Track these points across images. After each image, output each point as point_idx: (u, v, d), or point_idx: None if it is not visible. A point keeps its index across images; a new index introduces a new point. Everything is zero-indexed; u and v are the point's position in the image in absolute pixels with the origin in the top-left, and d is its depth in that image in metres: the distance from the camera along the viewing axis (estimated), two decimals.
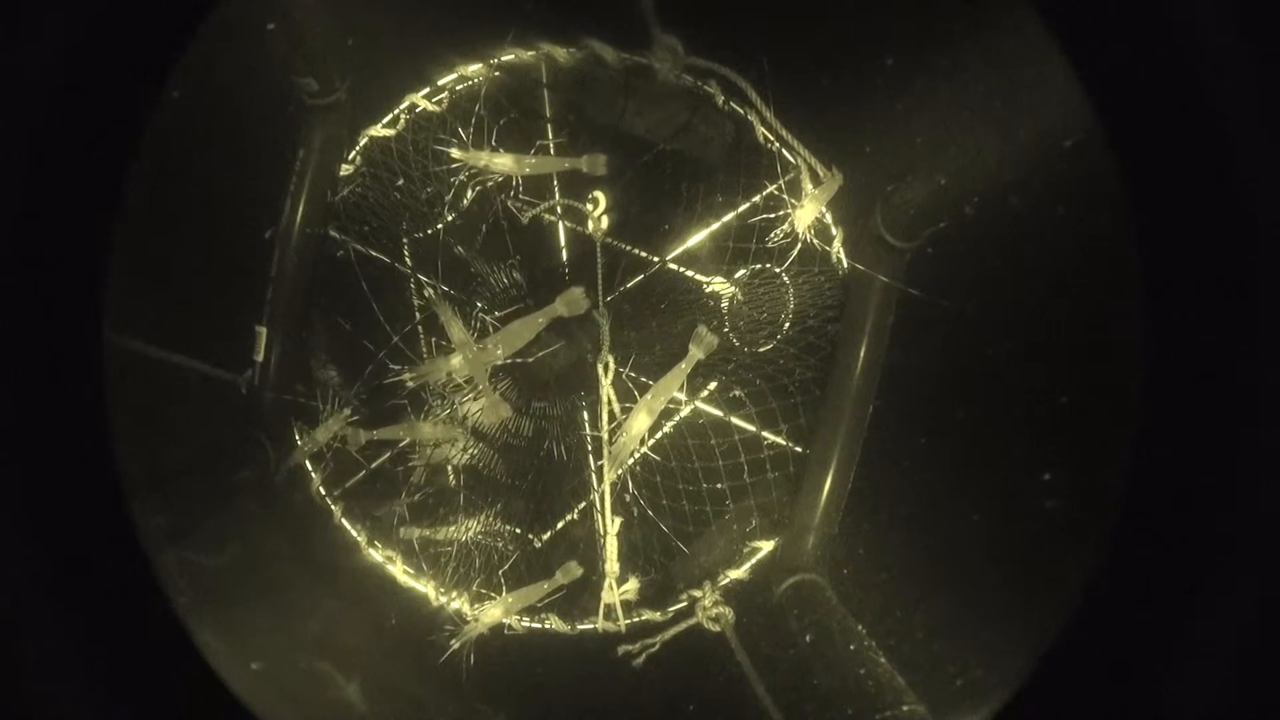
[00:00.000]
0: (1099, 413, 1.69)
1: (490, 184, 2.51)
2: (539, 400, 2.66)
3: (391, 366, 2.55)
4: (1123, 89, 1.17)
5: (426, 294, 2.46)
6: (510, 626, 2.57)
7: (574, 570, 2.54)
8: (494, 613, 2.51)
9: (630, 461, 2.46)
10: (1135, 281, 1.17)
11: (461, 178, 2.49)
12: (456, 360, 2.40)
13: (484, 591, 2.59)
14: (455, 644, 2.45)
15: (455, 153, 2.43)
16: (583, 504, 2.66)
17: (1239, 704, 1.10)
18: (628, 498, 2.54)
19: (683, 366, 2.42)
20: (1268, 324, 1.12)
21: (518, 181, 2.51)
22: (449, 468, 2.68)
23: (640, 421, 2.38)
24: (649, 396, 2.40)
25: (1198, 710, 1.11)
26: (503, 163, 2.44)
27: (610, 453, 2.41)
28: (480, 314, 2.56)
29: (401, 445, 2.67)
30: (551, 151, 2.53)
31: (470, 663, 2.46)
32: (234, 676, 1.23)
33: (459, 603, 2.58)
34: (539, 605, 2.57)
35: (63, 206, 1.18)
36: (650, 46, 2.29)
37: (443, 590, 2.60)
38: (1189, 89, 1.13)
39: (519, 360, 2.50)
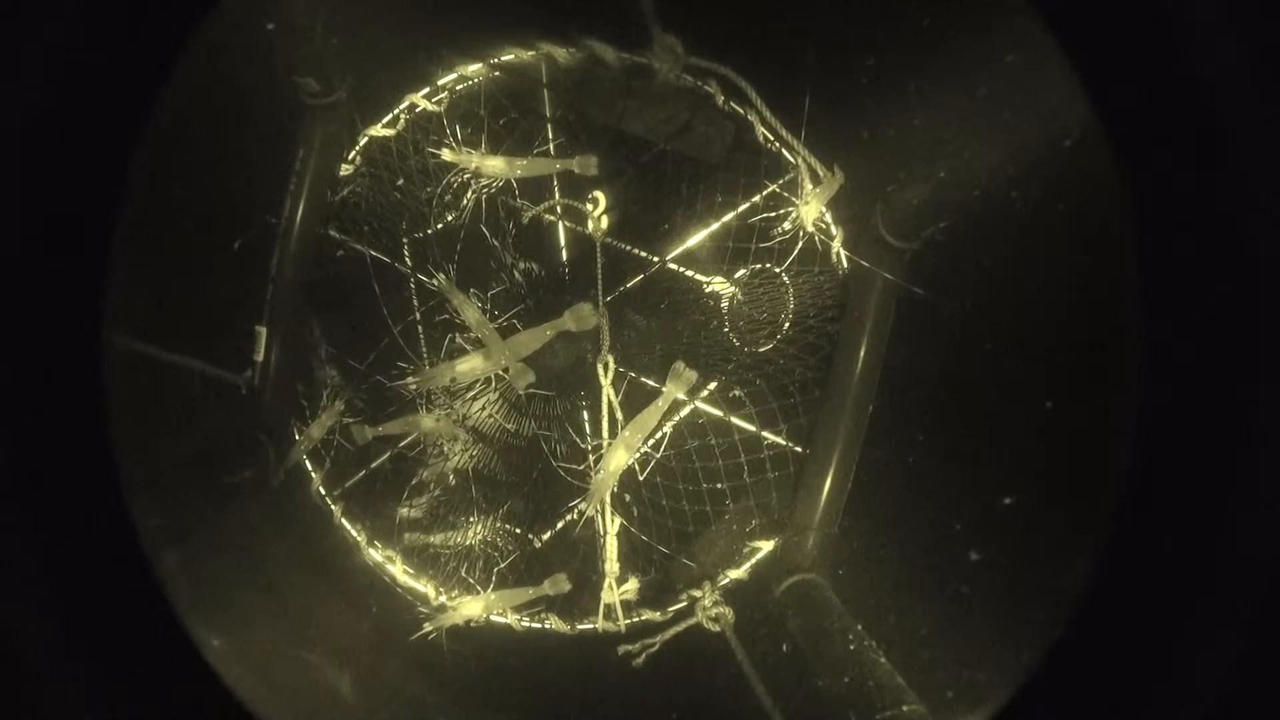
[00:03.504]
0: (1099, 412, 1.69)
1: (491, 187, 2.51)
2: (539, 400, 2.66)
3: (397, 365, 2.55)
4: (1123, 89, 1.17)
5: (437, 279, 2.45)
6: (515, 623, 2.57)
7: (562, 584, 2.54)
8: (473, 606, 2.51)
9: (609, 494, 2.46)
10: (1135, 280, 1.17)
11: (463, 178, 2.49)
12: (462, 366, 2.40)
13: (473, 583, 2.59)
14: (428, 627, 2.45)
15: (446, 154, 2.43)
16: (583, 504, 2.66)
17: (1239, 705, 1.10)
18: (628, 498, 2.53)
19: (659, 404, 2.42)
20: (1267, 323, 1.12)
21: (514, 183, 2.51)
22: (449, 468, 2.68)
23: (618, 458, 2.39)
24: (626, 433, 2.40)
25: (1197, 711, 1.11)
26: (494, 165, 2.44)
27: (591, 489, 2.41)
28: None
29: (402, 445, 2.67)
30: (552, 151, 2.53)
31: (440, 648, 2.46)
32: (234, 676, 1.23)
33: (450, 598, 2.59)
34: (522, 608, 2.58)
35: (62, 206, 1.18)
36: (650, 46, 2.29)
37: (443, 590, 2.60)
38: (1189, 89, 1.13)
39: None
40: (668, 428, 2.59)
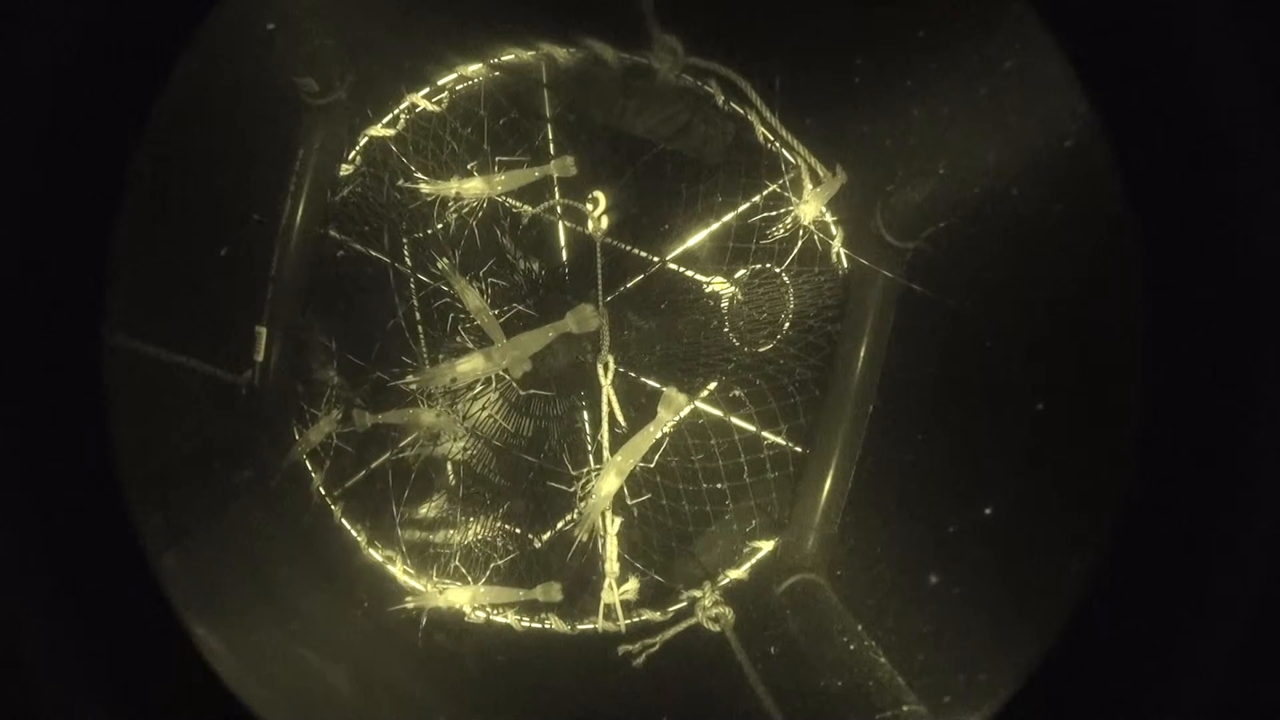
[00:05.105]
0: (1098, 411, 1.69)
1: (477, 207, 2.51)
2: (539, 400, 2.66)
3: (400, 360, 2.55)
4: (1123, 89, 1.17)
5: (440, 264, 2.46)
6: (515, 622, 2.57)
7: (554, 593, 2.54)
8: (461, 594, 2.51)
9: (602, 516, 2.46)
10: (1134, 279, 1.17)
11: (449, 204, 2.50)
12: (463, 366, 2.40)
13: (470, 578, 2.59)
14: (409, 602, 2.46)
15: (424, 187, 2.44)
16: (583, 504, 2.66)
17: (1238, 705, 1.10)
18: (628, 499, 2.53)
19: (651, 429, 2.41)
20: (1267, 321, 1.12)
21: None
22: (448, 466, 2.68)
23: (610, 483, 2.38)
24: (618, 458, 2.39)
25: (1198, 710, 1.11)
26: (473, 187, 2.45)
27: (582, 514, 2.41)
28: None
29: (403, 444, 2.67)
30: (552, 150, 2.53)
31: (422, 627, 2.47)
32: (233, 675, 1.23)
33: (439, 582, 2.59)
34: (511, 608, 2.58)
35: (64, 207, 1.18)
36: (650, 46, 2.29)
37: (441, 588, 2.60)
38: (1189, 89, 1.13)
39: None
40: (668, 428, 2.59)
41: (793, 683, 2.17)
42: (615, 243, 2.53)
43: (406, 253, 2.64)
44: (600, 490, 2.38)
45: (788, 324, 2.56)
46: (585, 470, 2.45)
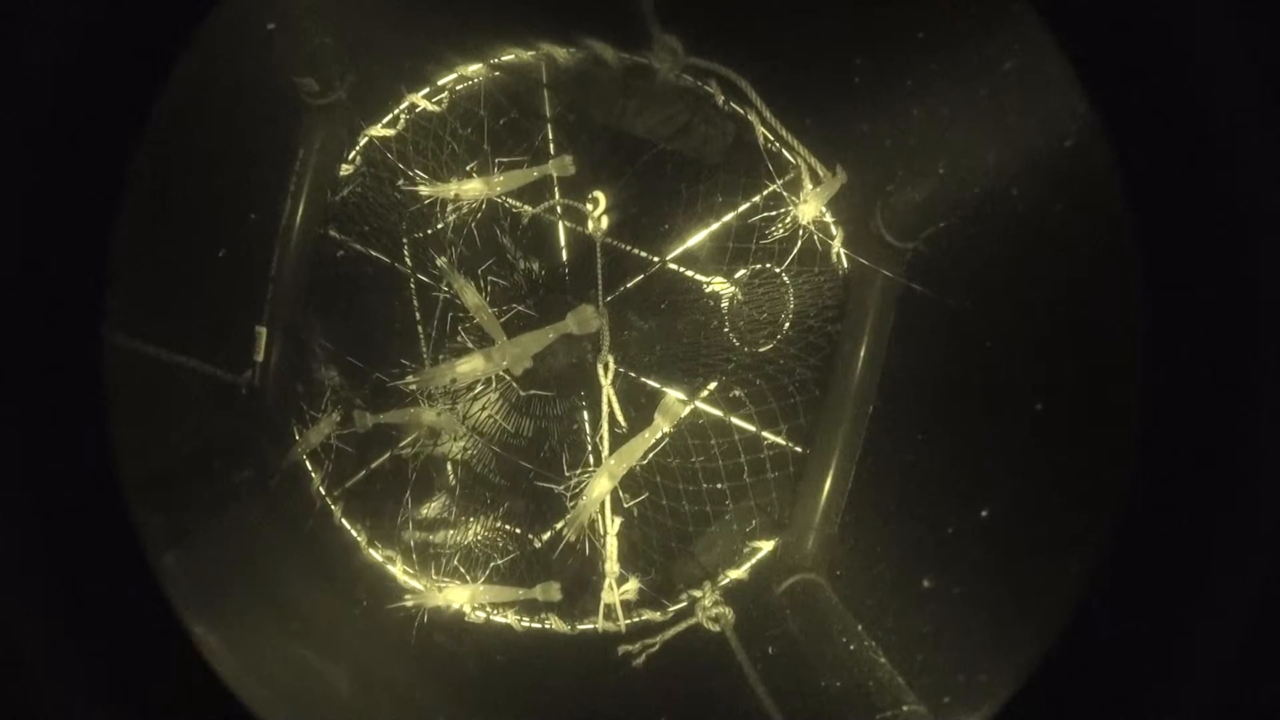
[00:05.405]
0: (1098, 411, 1.69)
1: (477, 209, 2.51)
2: (539, 400, 2.66)
3: (400, 361, 2.55)
4: (1123, 89, 1.17)
5: (439, 262, 2.46)
6: (515, 622, 2.57)
7: (553, 592, 2.54)
8: (460, 593, 2.51)
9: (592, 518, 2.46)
10: (1134, 280, 1.17)
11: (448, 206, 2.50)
12: (463, 366, 2.40)
13: (469, 578, 2.59)
14: (408, 600, 2.47)
15: (423, 190, 2.44)
16: (573, 505, 2.66)
17: (1238, 705, 1.10)
18: (624, 500, 2.53)
19: (646, 435, 2.40)
20: (1266, 322, 1.12)
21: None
22: (448, 466, 2.68)
23: (601, 485, 2.37)
24: (611, 461, 2.39)
25: (1198, 710, 1.11)
26: (472, 188, 2.45)
27: (570, 515, 2.40)
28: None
29: (403, 445, 2.67)
30: (552, 150, 2.53)
31: (422, 624, 2.47)
32: (233, 675, 1.23)
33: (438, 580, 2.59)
34: (511, 608, 2.58)
35: (64, 207, 1.18)
36: (650, 46, 2.29)
37: (440, 586, 2.60)
38: (1189, 89, 1.13)
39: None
40: (666, 429, 2.59)
41: (793, 683, 2.17)
42: (615, 243, 2.53)
43: (406, 253, 2.64)
44: (591, 493, 2.37)
45: (788, 324, 2.56)
46: (579, 472, 2.45)
